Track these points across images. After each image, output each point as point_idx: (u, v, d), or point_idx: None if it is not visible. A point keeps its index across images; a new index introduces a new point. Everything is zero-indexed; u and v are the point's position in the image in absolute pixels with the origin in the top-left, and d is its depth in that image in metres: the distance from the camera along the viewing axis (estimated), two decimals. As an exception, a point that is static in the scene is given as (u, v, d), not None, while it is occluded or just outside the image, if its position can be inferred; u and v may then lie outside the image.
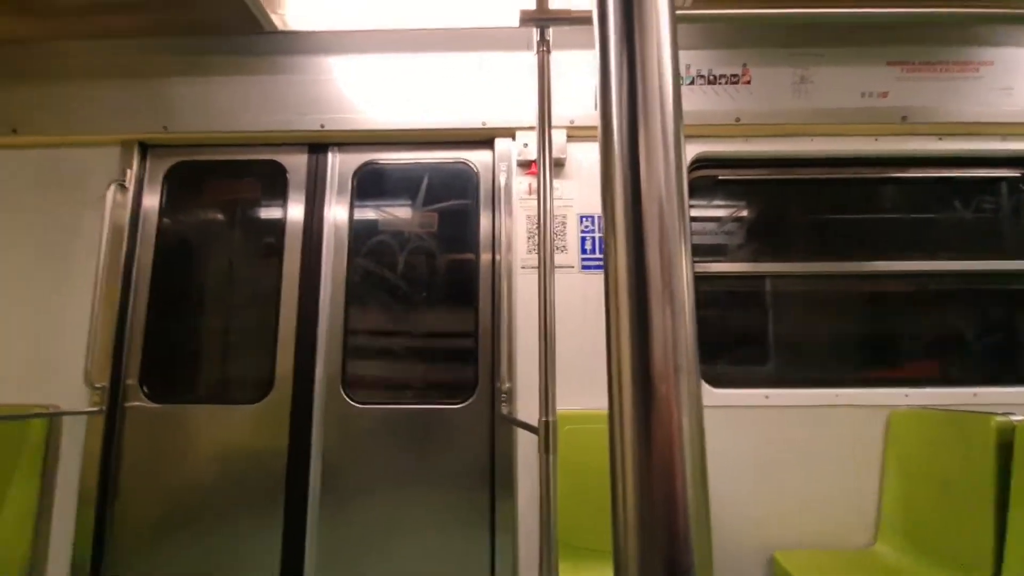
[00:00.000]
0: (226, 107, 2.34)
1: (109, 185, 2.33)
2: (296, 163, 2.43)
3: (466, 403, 2.23)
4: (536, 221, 1.78)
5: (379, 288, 2.37)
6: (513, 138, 2.32)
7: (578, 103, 2.26)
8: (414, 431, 2.22)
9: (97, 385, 2.21)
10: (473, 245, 2.36)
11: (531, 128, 2.22)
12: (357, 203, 2.40)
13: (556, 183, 2.23)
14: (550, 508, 1.23)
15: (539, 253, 1.35)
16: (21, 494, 2.07)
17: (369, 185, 2.43)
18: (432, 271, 2.39)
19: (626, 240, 0.30)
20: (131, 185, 2.39)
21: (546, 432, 1.26)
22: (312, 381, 2.25)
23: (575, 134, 2.26)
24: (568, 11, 1.42)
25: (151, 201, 2.43)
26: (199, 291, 2.44)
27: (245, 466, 2.20)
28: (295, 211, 2.39)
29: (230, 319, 2.43)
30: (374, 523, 2.16)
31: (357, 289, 2.34)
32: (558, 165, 2.28)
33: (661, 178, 0.30)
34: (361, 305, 2.34)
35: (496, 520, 2.13)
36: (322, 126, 2.30)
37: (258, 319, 2.35)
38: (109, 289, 2.29)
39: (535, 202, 2.15)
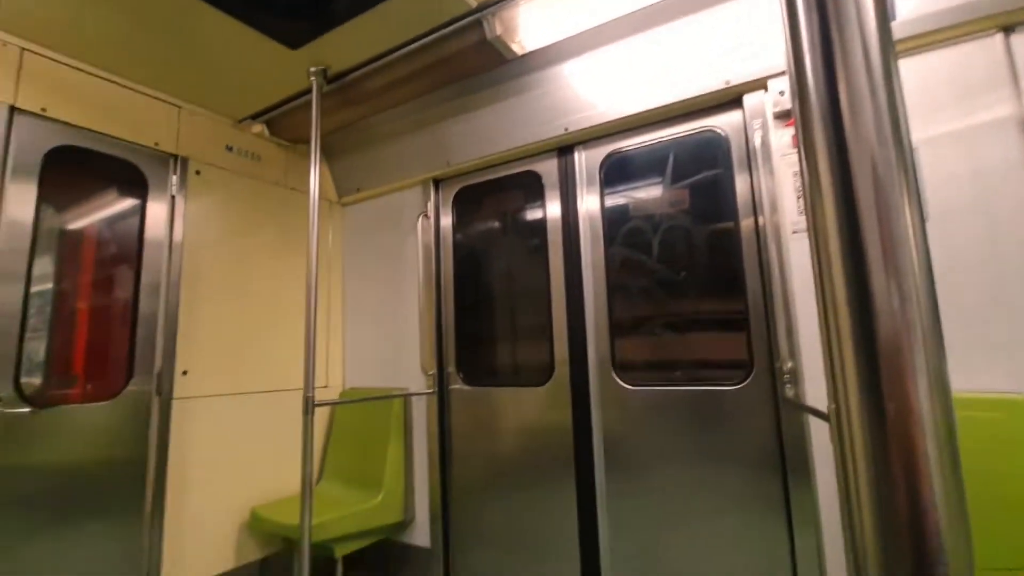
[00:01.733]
0: (490, 134, 2.72)
1: (418, 217, 2.99)
2: (548, 168, 2.66)
3: (742, 384, 2.08)
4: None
5: (637, 272, 2.41)
6: (765, 89, 2.06)
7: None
8: (688, 413, 2.18)
9: (429, 372, 2.85)
10: (731, 215, 2.19)
11: (784, 73, 1.93)
12: (607, 192, 2.49)
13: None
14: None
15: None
16: (395, 453, 2.83)
17: (616, 174, 2.49)
18: (690, 249, 2.31)
19: (834, 197, 0.27)
20: (431, 214, 3.00)
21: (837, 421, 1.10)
22: (586, 364, 2.44)
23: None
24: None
25: (446, 223, 3.01)
26: (488, 292, 2.90)
27: (541, 440, 2.52)
28: (553, 211, 2.63)
29: (515, 313, 2.81)
30: (658, 497, 2.21)
31: (616, 276, 2.43)
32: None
33: (870, 122, 0.26)
34: (622, 290, 2.42)
35: (792, 513, 1.93)
36: (566, 129, 2.47)
37: (536, 311, 2.66)
38: (427, 297, 2.92)
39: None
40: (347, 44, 2.24)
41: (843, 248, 0.26)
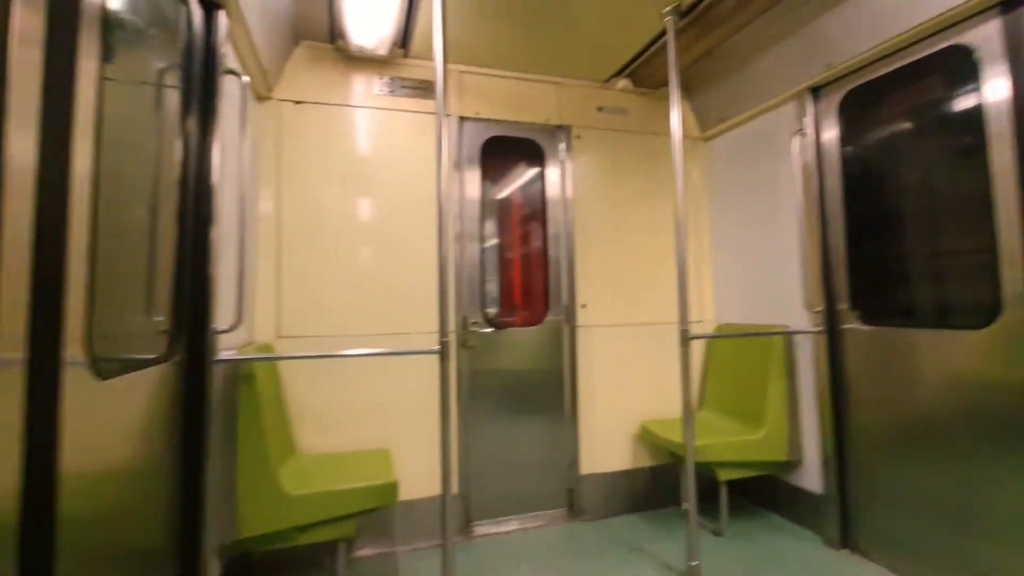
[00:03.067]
0: (885, 13, 2.14)
1: (791, 137, 2.65)
2: (984, 35, 1.91)
3: None
4: None
5: None
6: None
7: None
8: None
9: (815, 309, 2.57)
10: None
11: None
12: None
13: None
14: None
15: None
16: (776, 391, 2.71)
17: None
18: None
19: None
20: (809, 130, 2.61)
21: None
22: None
23: None
24: None
25: (829, 137, 2.57)
26: (894, 211, 2.35)
27: (978, 397, 1.96)
28: (994, 93, 1.89)
29: (933, 234, 2.21)
30: None
31: None
32: None
33: None
34: None
35: None
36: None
37: (967, 229, 2.02)
38: (809, 225, 2.60)
39: None
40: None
41: None
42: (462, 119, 2.93)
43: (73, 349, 1.01)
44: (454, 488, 2.52)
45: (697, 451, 2.35)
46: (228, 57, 1.93)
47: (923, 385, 2.15)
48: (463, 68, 2.93)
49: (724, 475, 2.63)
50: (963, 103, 2.03)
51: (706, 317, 3.31)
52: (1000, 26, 1.88)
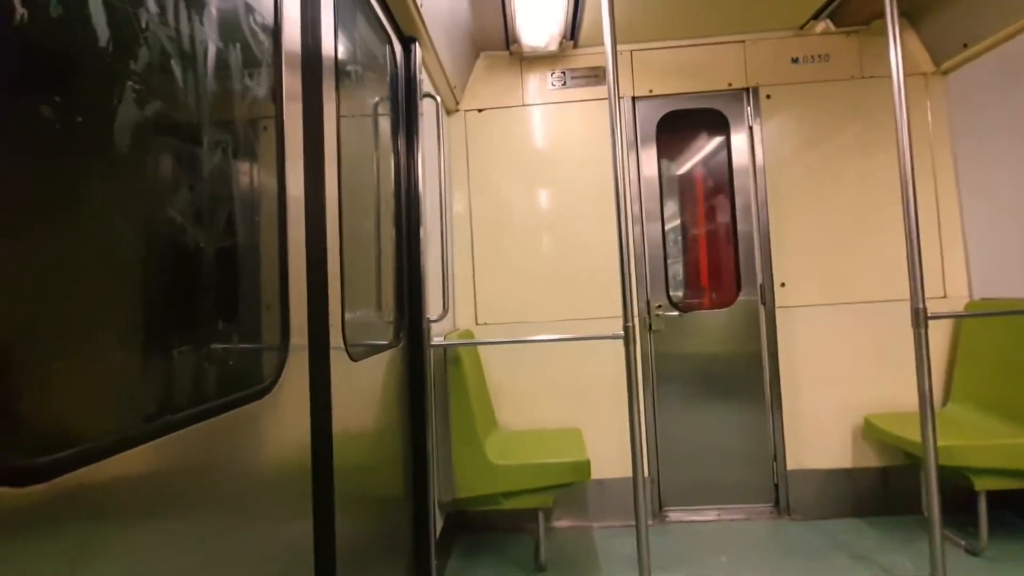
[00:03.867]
0: None
1: None
2: None
3: None
4: None
5: None
6: None
7: None
8: None
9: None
10: None
11: None
12: None
13: None
14: None
15: None
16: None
17: None
18: None
19: None
20: None
21: None
22: None
23: None
24: None
25: None
26: None
27: None
28: None
29: None
30: None
31: None
32: None
33: None
34: None
35: None
36: None
37: None
38: None
39: None
40: None
41: None
42: (635, 99, 2.86)
43: (335, 337, 1.29)
44: (644, 471, 2.52)
45: (942, 453, 1.96)
46: (424, 83, 2.21)
47: None
48: (634, 47, 2.86)
49: (981, 484, 2.15)
50: None
51: (952, 292, 2.71)
52: None
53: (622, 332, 1.92)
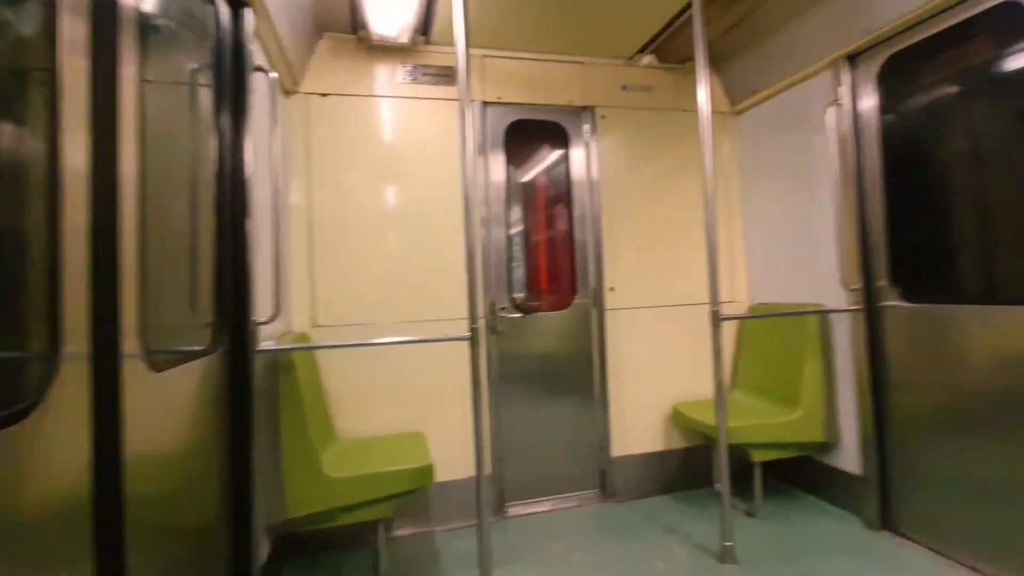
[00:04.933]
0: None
1: (826, 108, 2.56)
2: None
3: None
4: None
5: None
6: None
7: None
8: None
9: (852, 287, 2.50)
10: None
11: None
12: None
13: None
14: None
15: None
16: (812, 372, 2.66)
17: None
18: None
19: None
20: (845, 99, 2.51)
21: None
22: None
23: None
24: None
25: (867, 106, 2.47)
26: (937, 183, 2.26)
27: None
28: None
29: (986, 205, 2.11)
30: None
31: None
32: None
33: None
34: None
35: None
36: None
37: (1014, 205, 1.93)
38: (846, 199, 2.52)
39: None
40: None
41: None
42: (485, 104, 2.91)
43: (129, 343, 1.07)
44: (487, 470, 2.57)
45: (730, 432, 2.33)
46: (256, 54, 1.97)
47: (969, 363, 2.08)
48: (485, 52, 2.91)
49: (758, 456, 2.61)
50: (1016, 61, 1.93)
51: (738, 297, 3.25)
52: (1055, -19, 1.77)
53: (468, 333, 1.93)
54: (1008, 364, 1.94)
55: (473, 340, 1.92)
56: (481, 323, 2.48)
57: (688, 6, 2.49)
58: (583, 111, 3.08)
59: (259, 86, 2.01)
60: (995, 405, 1.99)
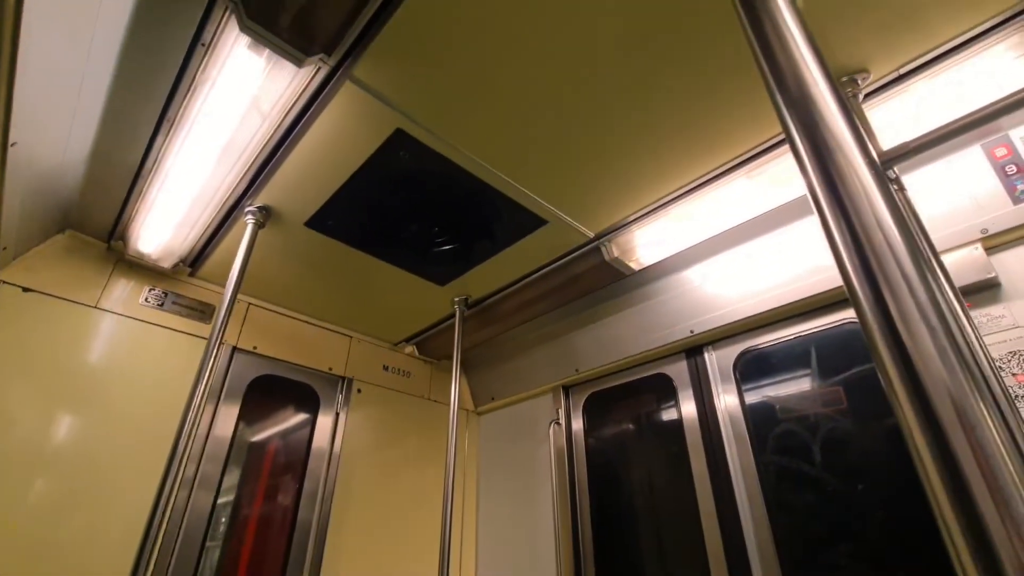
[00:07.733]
0: (615, 341, 2.83)
1: (549, 424, 3.02)
2: (678, 370, 2.63)
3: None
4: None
5: (799, 482, 2.10)
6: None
7: (987, 207, 1.79)
8: None
9: (568, 597, 2.55)
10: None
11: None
12: (746, 391, 2.36)
13: (995, 310, 1.70)
14: None
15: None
16: None
17: (753, 372, 2.38)
18: (865, 455, 2.00)
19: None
20: (563, 420, 3.02)
21: None
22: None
23: (994, 243, 1.75)
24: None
25: (577, 428, 2.99)
26: (627, 502, 2.67)
27: None
28: (688, 412, 2.51)
29: (659, 524, 2.52)
30: None
31: (774, 485, 2.14)
32: (989, 288, 1.75)
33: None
34: (785, 506, 2.10)
35: None
36: (692, 331, 2.49)
37: (683, 525, 2.37)
38: (562, 508, 2.77)
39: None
40: (485, 277, 2.64)
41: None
42: (236, 349, 2.70)
43: None
44: None
45: None
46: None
47: None
48: (252, 300, 2.85)
49: None
50: (669, 415, 2.63)
51: (464, 592, 3.00)
52: (686, 365, 2.61)
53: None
54: None
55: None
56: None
57: (451, 316, 2.94)
58: (340, 380, 3.06)
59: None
60: None
